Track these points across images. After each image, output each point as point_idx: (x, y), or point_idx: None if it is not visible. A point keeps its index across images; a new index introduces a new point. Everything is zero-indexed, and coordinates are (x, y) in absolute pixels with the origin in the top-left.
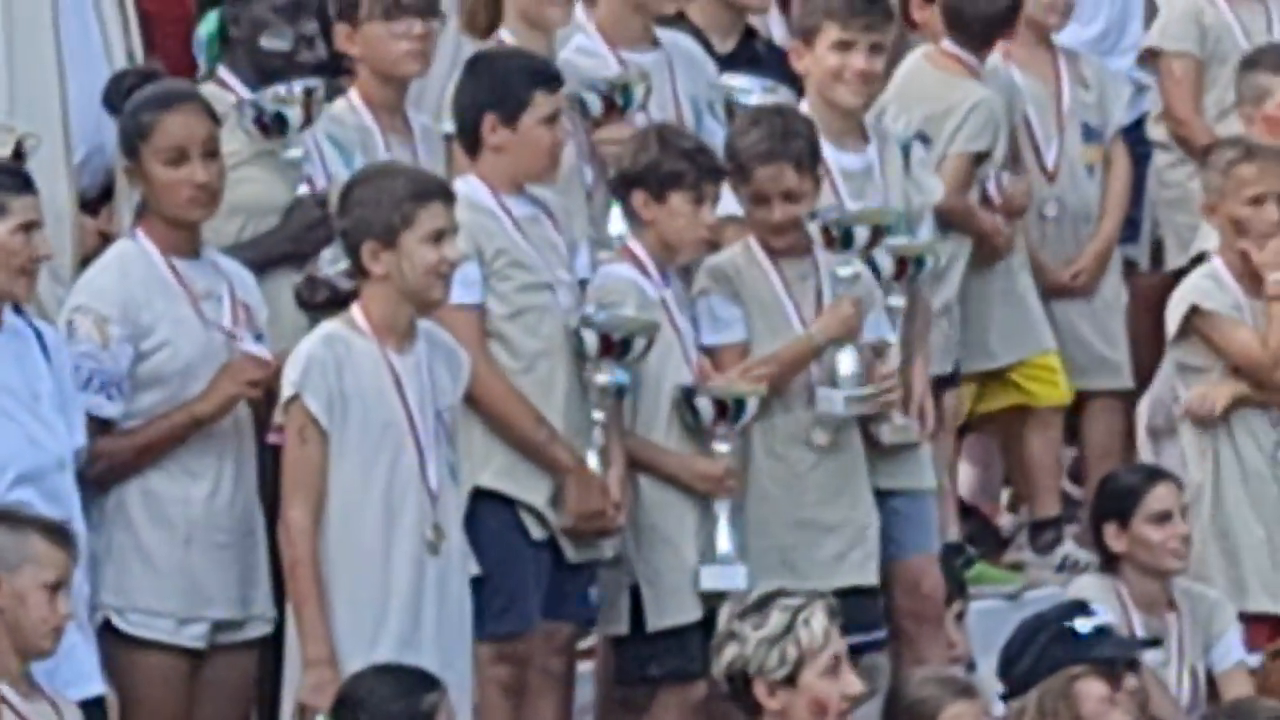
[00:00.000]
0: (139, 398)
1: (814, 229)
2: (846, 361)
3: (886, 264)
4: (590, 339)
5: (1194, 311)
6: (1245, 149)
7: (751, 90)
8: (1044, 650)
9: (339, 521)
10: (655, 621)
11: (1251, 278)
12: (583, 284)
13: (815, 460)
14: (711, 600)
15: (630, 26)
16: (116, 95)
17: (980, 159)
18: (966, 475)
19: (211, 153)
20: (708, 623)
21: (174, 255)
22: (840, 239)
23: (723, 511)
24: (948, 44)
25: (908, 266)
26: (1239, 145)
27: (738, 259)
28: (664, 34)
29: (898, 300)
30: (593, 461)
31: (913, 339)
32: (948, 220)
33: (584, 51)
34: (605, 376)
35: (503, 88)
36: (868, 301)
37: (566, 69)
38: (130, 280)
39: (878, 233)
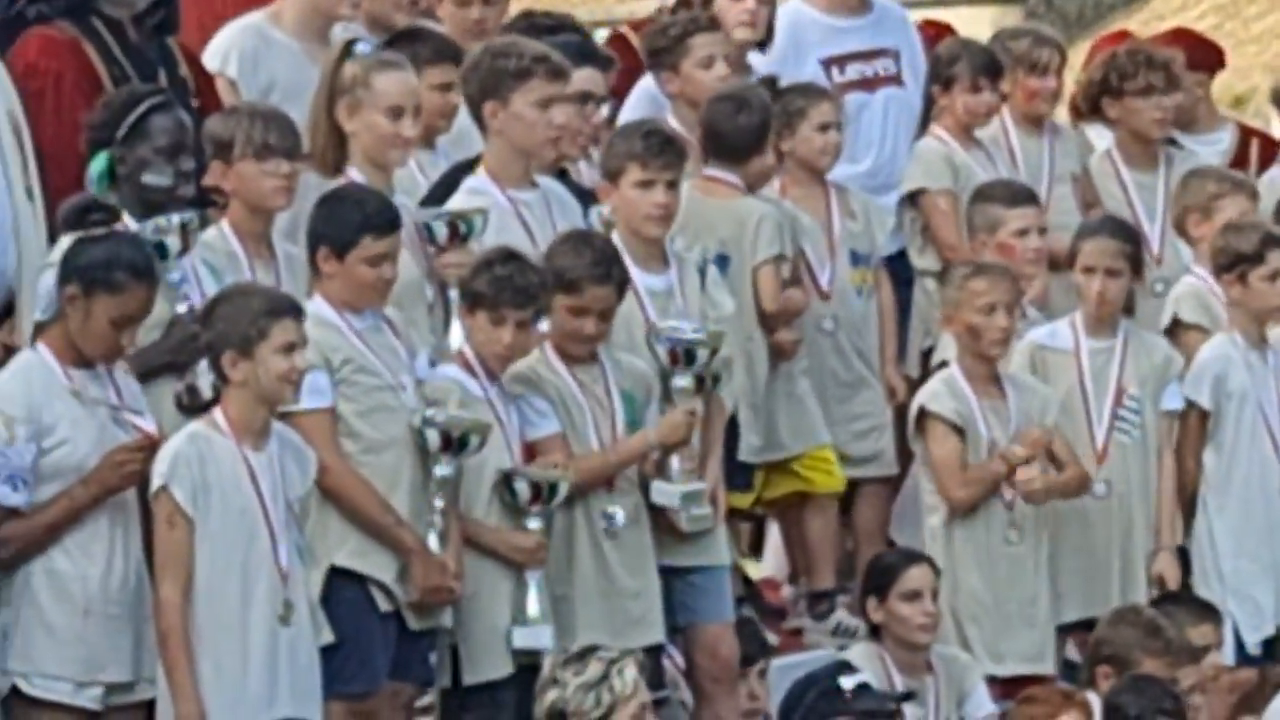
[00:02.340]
0: (42, 489)
1: (661, 350)
2: (676, 461)
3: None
4: (432, 436)
5: (922, 412)
6: (976, 266)
7: None
8: (813, 705)
9: (204, 597)
10: (470, 676)
11: (984, 381)
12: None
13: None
14: (520, 658)
15: (514, 170)
16: (74, 220)
17: (781, 260)
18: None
19: None
20: (519, 678)
21: (70, 365)
22: (684, 357)
23: (533, 580)
24: (712, 170)
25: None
26: (970, 264)
27: (537, 366)
28: (540, 178)
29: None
30: (434, 542)
31: (710, 438)
32: (772, 325)
33: (474, 191)
34: (444, 469)
35: (337, 227)
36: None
37: (461, 199)
38: (33, 386)
39: (714, 352)
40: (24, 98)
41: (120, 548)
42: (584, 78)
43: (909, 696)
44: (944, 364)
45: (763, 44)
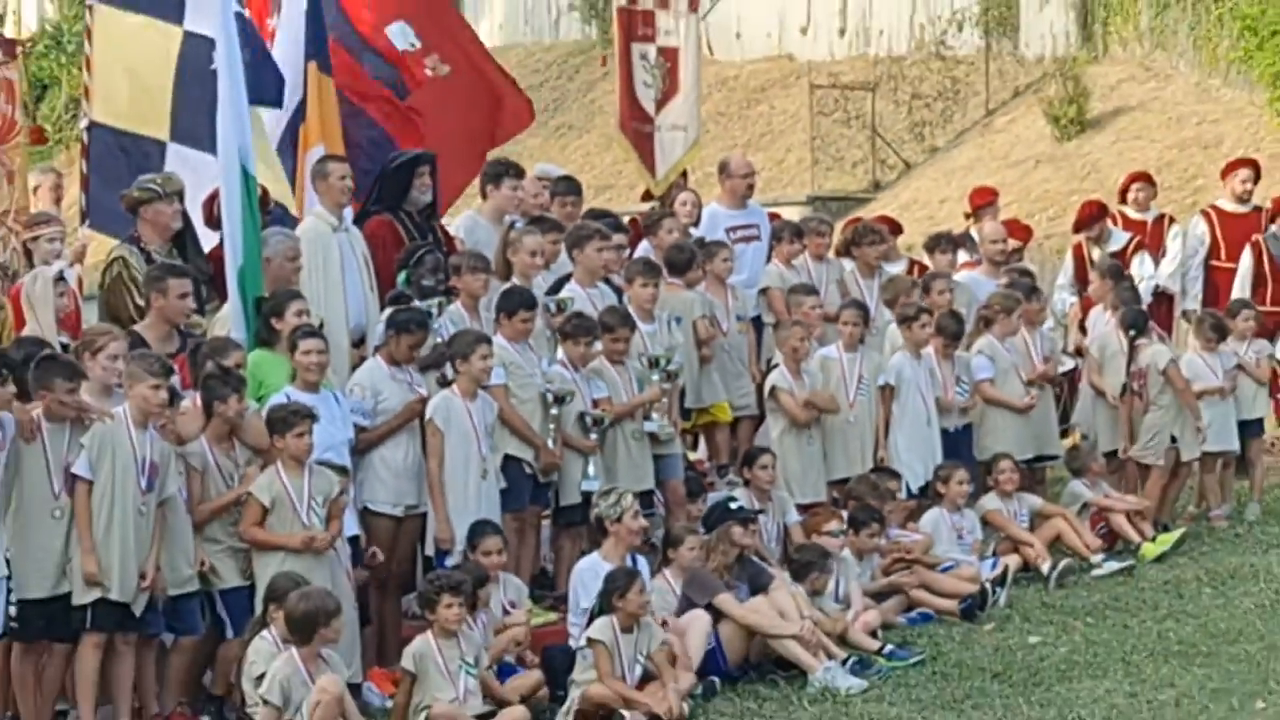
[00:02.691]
0: (376, 420)
1: (647, 359)
2: (655, 410)
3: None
4: (548, 396)
5: (772, 388)
6: (793, 322)
7: None
8: (718, 515)
9: (449, 471)
10: (564, 500)
11: (794, 374)
12: None
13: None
14: (584, 494)
15: (585, 279)
16: (391, 302)
17: (704, 318)
18: None
19: None
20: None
21: (390, 365)
22: (658, 362)
23: (591, 460)
24: (671, 278)
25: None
26: (791, 321)
27: (598, 365)
28: (598, 283)
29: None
30: (550, 444)
31: (671, 399)
32: (701, 348)
33: (569, 289)
34: (555, 410)
35: (507, 304)
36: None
37: (564, 292)
38: (374, 374)
39: (668, 361)
40: (370, 247)
41: (410, 447)
42: (618, 239)
43: (760, 512)
44: (775, 365)
45: (697, 223)
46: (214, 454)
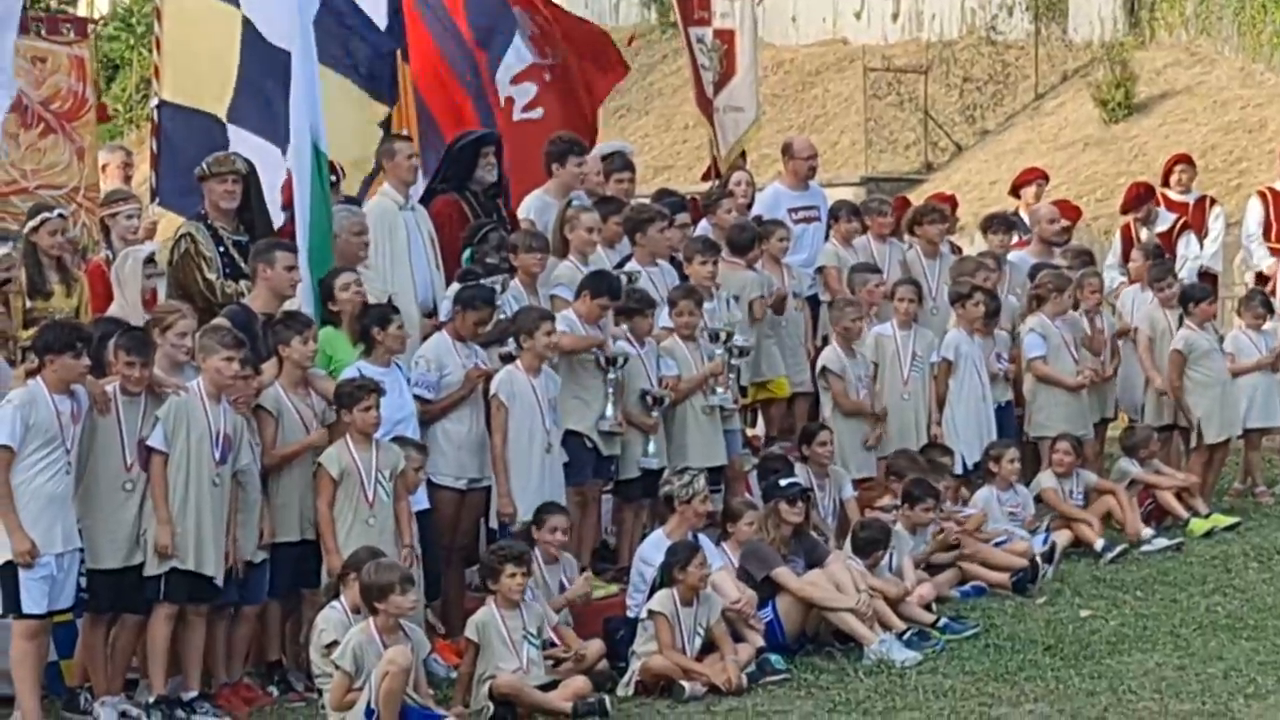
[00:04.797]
0: (441, 393)
1: (709, 333)
2: (719, 384)
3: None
4: (602, 360)
5: (823, 368)
6: (846, 300)
7: None
8: (773, 488)
9: (512, 444)
10: (623, 475)
11: (848, 354)
12: None
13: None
14: (643, 470)
15: (646, 258)
16: (459, 278)
17: (762, 297)
18: None
19: None
20: (644, 480)
21: (456, 340)
22: (720, 336)
23: (652, 437)
24: (731, 256)
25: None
26: (845, 299)
27: (668, 342)
28: (660, 261)
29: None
30: (610, 411)
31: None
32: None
33: (632, 267)
34: (612, 374)
35: (594, 286)
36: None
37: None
38: (439, 348)
39: (729, 336)
40: (435, 225)
41: (473, 421)
42: (681, 219)
43: (808, 490)
44: (828, 340)
45: (751, 203)
46: (290, 399)
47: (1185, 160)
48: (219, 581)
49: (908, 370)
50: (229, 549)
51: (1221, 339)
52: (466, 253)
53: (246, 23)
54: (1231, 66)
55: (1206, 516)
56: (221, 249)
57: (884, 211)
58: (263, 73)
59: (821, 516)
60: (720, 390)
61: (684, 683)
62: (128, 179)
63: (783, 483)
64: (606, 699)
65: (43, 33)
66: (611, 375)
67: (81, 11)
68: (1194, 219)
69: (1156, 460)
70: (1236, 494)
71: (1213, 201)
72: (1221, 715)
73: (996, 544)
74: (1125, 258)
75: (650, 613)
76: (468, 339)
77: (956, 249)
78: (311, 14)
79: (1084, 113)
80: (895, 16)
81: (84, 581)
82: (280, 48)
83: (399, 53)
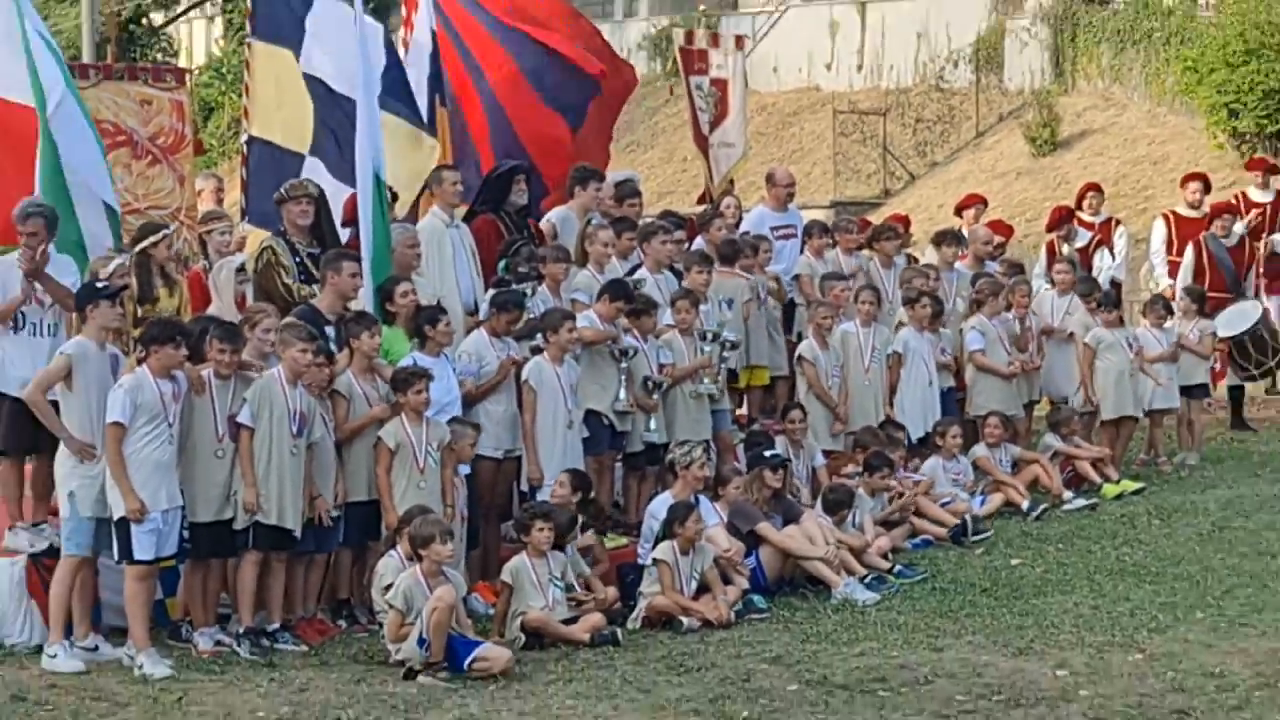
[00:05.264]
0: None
1: (698, 332)
2: (706, 374)
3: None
4: (616, 353)
5: (800, 356)
6: (819, 302)
7: None
8: (755, 458)
9: (540, 421)
10: (629, 449)
11: (822, 346)
12: None
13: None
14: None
15: (653, 267)
16: (494, 285)
17: (753, 300)
18: None
19: None
20: (648, 452)
21: (492, 336)
22: (710, 335)
23: (653, 415)
24: (722, 266)
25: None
26: (819, 301)
27: (669, 335)
28: (664, 270)
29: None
30: (623, 394)
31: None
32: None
33: (641, 275)
34: (624, 362)
35: (614, 292)
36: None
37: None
38: (478, 344)
39: (716, 335)
40: (475, 240)
41: (508, 402)
42: (678, 234)
43: (786, 460)
44: (801, 336)
45: (739, 223)
46: (359, 383)
47: (1095, 188)
48: (297, 534)
49: (869, 361)
50: (315, 505)
51: (1129, 338)
52: (501, 263)
53: (310, 78)
54: (1140, 110)
55: (1117, 482)
56: (297, 259)
57: (850, 230)
58: (329, 115)
59: (797, 481)
60: (707, 381)
61: (683, 618)
62: (220, 201)
63: (766, 453)
64: (618, 631)
65: (149, 81)
66: (623, 364)
67: (182, 63)
68: (1104, 237)
69: (1077, 436)
70: (1142, 464)
71: (1118, 222)
72: (1129, 645)
73: (943, 504)
74: (1049, 269)
75: (655, 560)
76: (502, 335)
77: (913, 260)
78: (376, 69)
79: (1016, 148)
80: (859, 68)
81: (186, 534)
82: (345, 95)
83: (439, 97)
